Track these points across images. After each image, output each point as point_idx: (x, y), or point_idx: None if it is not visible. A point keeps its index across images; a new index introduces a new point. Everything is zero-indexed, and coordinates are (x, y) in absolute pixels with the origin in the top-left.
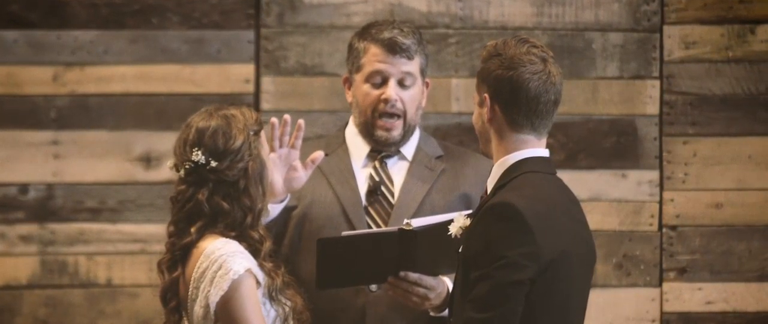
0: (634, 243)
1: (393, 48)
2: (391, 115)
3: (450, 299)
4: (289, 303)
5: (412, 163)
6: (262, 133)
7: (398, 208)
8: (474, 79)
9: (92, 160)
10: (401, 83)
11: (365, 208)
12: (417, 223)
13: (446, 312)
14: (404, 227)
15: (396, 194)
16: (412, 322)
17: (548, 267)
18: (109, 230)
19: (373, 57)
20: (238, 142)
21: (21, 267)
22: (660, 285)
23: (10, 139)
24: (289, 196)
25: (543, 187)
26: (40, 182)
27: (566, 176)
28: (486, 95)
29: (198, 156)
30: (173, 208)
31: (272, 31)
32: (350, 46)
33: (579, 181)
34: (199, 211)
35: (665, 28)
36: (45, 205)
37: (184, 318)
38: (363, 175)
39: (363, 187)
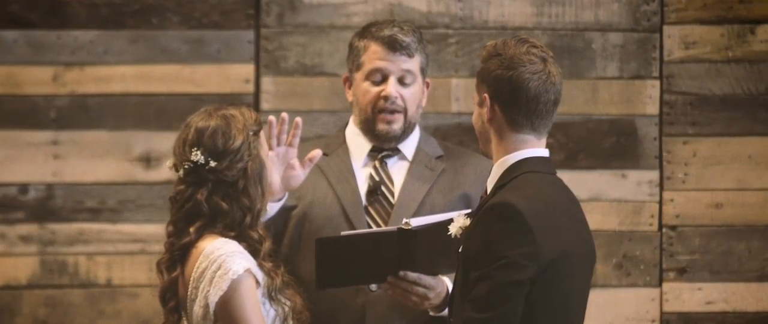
0: (634, 243)
1: (393, 45)
2: (392, 112)
3: (450, 299)
4: (288, 303)
5: (412, 163)
6: (262, 134)
7: (398, 208)
8: (474, 79)
9: (92, 160)
10: (401, 81)
11: (365, 207)
12: (416, 222)
13: (446, 312)
14: (403, 227)
15: (396, 194)
16: (412, 322)
17: (548, 267)
18: (109, 230)
19: (373, 55)
20: (238, 143)
21: (21, 267)
22: (660, 285)
23: (10, 139)
24: (287, 194)
25: (543, 187)
26: (40, 182)
27: (566, 176)
28: (486, 95)
29: (197, 156)
30: (172, 208)
31: (272, 31)
32: (350, 46)
33: (579, 181)
34: (198, 211)
35: (665, 28)
36: (45, 205)
37: (184, 318)
38: (363, 175)
39: (363, 187)
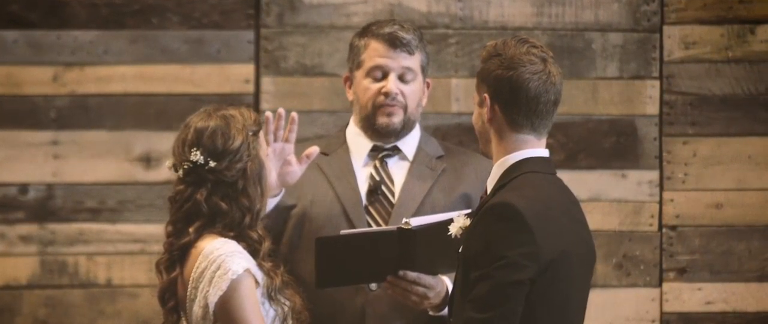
0: (634, 243)
1: (393, 42)
2: (392, 106)
3: (450, 299)
4: (288, 303)
5: (413, 162)
6: (261, 134)
7: (399, 208)
8: (474, 80)
9: (92, 160)
10: (402, 78)
11: (365, 207)
12: (416, 222)
13: (445, 311)
14: (403, 226)
15: (396, 193)
16: (412, 322)
17: (548, 267)
18: (108, 230)
19: (373, 52)
20: (237, 143)
21: (21, 267)
22: (660, 285)
23: (10, 139)
24: (283, 190)
25: (543, 187)
26: (40, 182)
27: (566, 176)
28: (486, 95)
29: (197, 156)
30: (172, 208)
31: (272, 31)
32: (351, 45)
33: (579, 181)
34: (198, 211)
35: (665, 28)
36: (45, 205)
37: (183, 318)
38: (363, 175)
39: (363, 187)
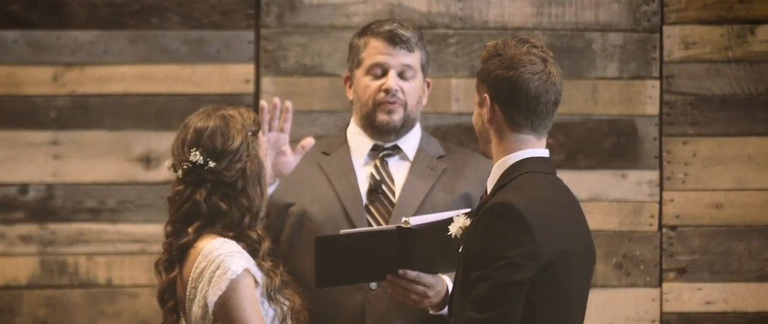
0: (634, 243)
1: (393, 39)
2: (392, 103)
3: (450, 299)
4: (287, 302)
5: (413, 162)
6: (260, 134)
7: (399, 207)
8: (474, 80)
9: (92, 160)
10: (401, 75)
11: (366, 206)
12: (415, 221)
13: (445, 310)
14: (403, 225)
15: (397, 193)
16: (412, 321)
17: (548, 267)
18: (108, 230)
19: (373, 50)
20: (236, 143)
21: (21, 267)
22: (660, 285)
23: (10, 139)
24: (277, 181)
25: (543, 187)
26: (40, 182)
27: (566, 176)
28: (486, 95)
29: (196, 156)
30: (171, 208)
31: (272, 31)
32: (350, 45)
33: (579, 181)
34: (197, 211)
35: (665, 28)
36: (45, 205)
37: (182, 318)
38: (364, 174)
39: (364, 186)
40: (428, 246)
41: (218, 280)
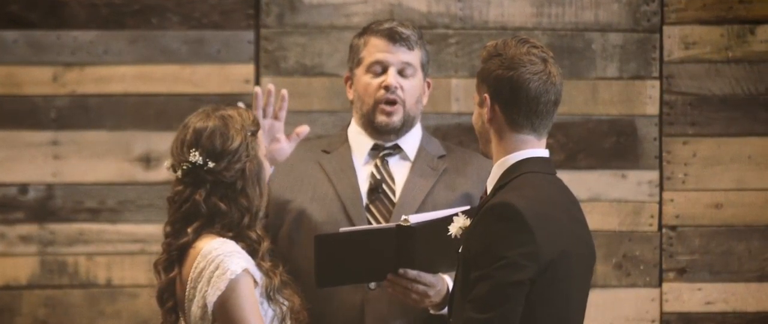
0: (634, 243)
1: (393, 37)
2: (392, 102)
3: (450, 299)
4: (286, 303)
5: (414, 162)
6: (259, 134)
7: (400, 207)
8: (474, 80)
9: (92, 160)
10: (401, 73)
11: (366, 205)
12: (415, 219)
13: (446, 310)
14: (402, 223)
15: (398, 192)
16: (411, 320)
17: (548, 267)
18: (108, 230)
19: (373, 48)
20: (236, 143)
21: (21, 267)
22: (660, 285)
23: (10, 139)
24: (273, 168)
25: (543, 187)
26: (40, 182)
27: (566, 176)
28: (486, 95)
29: (195, 157)
30: (170, 208)
31: (272, 31)
32: (351, 46)
33: (579, 181)
34: (197, 211)
35: (665, 28)
36: (45, 206)
37: (181, 318)
38: (364, 173)
39: (364, 185)
40: (428, 244)
41: (217, 280)
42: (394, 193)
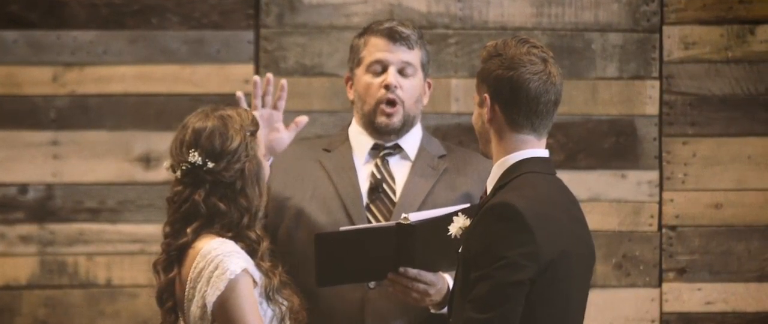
0: (634, 243)
1: (393, 36)
2: (392, 103)
3: (449, 298)
4: (286, 303)
5: (415, 161)
6: (259, 134)
7: (400, 206)
8: (474, 80)
9: (92, 160)
10: (401, 72)
11: (367, 205)
12: (415, 217)
13: (446, 309)
14: (402, 221)
15: (398, 192)
16: (411, 319)
17: (548, 267)
18: (108, 230)
19: (373, 47)
20: (235, 143)
21: (21, 267)
22: (659, 285)
23: (10, 139)
24: (271, 158)
25: (543, 187)
26: (40, 182)
27: (566, 176)
28: (486, 95)
29: (195, 157)
30: (170, 208)
31: (272, 31)
32: (351, 46)
33: (579, 181)
34: (196, 211)
35: (665, 28)
36: (44, 206)
37: (181, 318)
38: (365, 172)
39: (364, 184)
40: (428, 243)
41: (217, 281)
42: (394, 192)
